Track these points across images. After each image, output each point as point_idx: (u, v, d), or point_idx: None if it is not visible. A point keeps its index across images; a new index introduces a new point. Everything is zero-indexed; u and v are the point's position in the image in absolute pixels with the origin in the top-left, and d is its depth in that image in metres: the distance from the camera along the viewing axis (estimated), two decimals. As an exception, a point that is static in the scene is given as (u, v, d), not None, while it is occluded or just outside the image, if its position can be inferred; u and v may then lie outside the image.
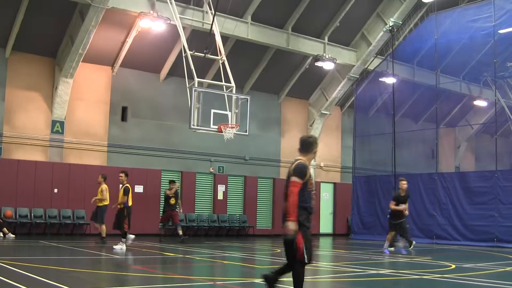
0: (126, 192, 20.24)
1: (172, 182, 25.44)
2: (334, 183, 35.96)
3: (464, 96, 37.92)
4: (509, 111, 35.74)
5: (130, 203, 20.38)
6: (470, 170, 35.71)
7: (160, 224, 26.23)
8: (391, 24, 30.90)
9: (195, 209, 30.12)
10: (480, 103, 38.15)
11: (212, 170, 30.86)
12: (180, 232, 24.58)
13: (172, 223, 25.13)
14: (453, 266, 16.02)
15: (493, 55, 28.50)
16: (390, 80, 32.08)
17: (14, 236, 23.08)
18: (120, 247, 19.41)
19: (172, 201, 24.83)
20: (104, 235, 21.86)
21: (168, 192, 25.18)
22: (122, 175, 20.69)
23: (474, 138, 41.41)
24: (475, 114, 39.94)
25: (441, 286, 12.66)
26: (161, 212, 26.69)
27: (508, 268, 16.21)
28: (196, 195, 30.31)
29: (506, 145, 36.96)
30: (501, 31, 28.31)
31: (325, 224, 35.20)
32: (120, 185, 20.90)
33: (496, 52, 28.37)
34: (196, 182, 30.39)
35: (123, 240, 19.76)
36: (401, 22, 31.58)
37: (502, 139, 33.41)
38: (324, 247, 26.13)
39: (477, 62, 33.65)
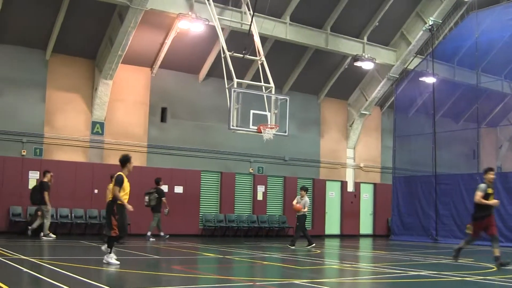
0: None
1: (490, 169, 16.50)
2: (374, 184, 35.77)
3: (506, 95, 37.36)
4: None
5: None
6: (513, 171, 35.26)
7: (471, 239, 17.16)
8: (430, 23, 30.71)
9: (235, 209, 30.16)
10: (522, 102, 37.62)
11: (252, 171, 30.87)
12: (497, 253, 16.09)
13: (491, 235, 16.38)
14: (496, 268, 15.78)
15: (534, 53, 28.14)
16: (430, 80, 31.84)
17: (54, 236, 23.30)
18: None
19: (491, 198, 16.03)
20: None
21: (488, 176, 16.23)
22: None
23: (516, 138, 40.85)
24: (517, 113, 39.37)
25: (484, 288, 12.49)
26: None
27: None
28: (235, 196, 30.36)
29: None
30: (543, 29, 27.97)
31: (365, 225, 35.03)
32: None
33: (537, 50, 28.00)
34: (236, 183, 30.44)
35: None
36: (441, 21, 31.32)
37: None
38: (364, 248, 25.98)
39: (519, 60, 33.20)
